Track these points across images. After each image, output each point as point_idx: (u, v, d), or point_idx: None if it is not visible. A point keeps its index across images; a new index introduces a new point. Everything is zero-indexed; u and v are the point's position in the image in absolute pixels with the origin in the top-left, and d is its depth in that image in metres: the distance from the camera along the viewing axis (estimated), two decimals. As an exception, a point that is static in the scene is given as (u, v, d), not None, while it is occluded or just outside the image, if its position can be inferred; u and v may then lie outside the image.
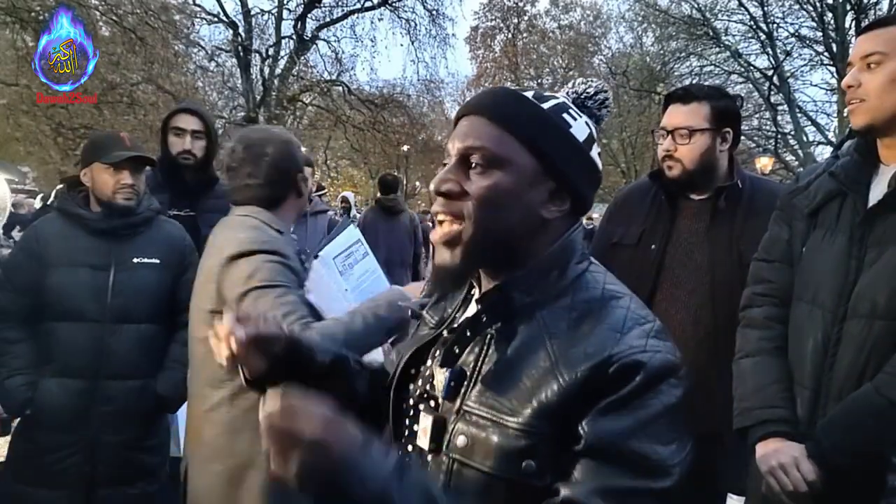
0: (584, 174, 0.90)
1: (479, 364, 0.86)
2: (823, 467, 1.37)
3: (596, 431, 0.77)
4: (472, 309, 0.94)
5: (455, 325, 0.95)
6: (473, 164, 0.86)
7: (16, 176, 11.45)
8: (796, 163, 16.93)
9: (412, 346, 0.99)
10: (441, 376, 0.90)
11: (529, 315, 0.86)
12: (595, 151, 0.92)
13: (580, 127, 0.89)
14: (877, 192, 1.45)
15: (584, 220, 0.96)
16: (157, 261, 2.25)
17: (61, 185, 2.46)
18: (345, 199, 9.03)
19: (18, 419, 2.29)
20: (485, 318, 0.88)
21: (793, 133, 16.92)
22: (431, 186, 0.88)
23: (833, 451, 1.37)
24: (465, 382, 0.86)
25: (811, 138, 17.12)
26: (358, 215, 7.93)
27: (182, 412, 2.57)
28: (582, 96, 0.94)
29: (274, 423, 0.69)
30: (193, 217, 2.73)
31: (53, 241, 2.17)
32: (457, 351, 0.89)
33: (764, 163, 16.05)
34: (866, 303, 1.38)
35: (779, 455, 1.42)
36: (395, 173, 11.24)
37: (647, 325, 0.83)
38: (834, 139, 15.79)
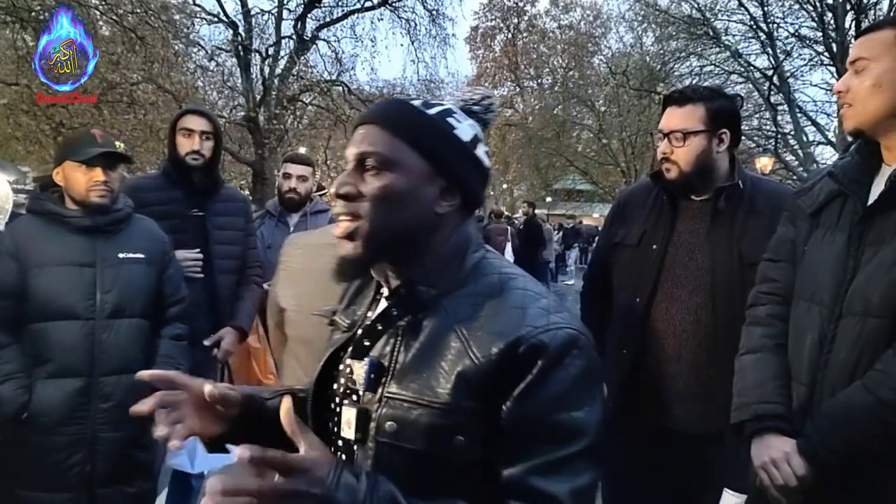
0: (472, 171, 0.98)
1: (395, 355, 0.94)
2: (814, 463, 1.39)
3: (517, 413, 0.85)
4: (382, 306, 1.01)
5: (367, 324, 1.01)
6: (368, 168, 0.94)
7: (16, 175, 11.43)
8: (796, 163, 16.93)
9: (328, 350, 1.05)
10: (360, 370, 0.96)
11: (436, 305, 0.94)
12: (481, 150, 1.00)
13: (465, 129, 0.98)
14: (877, 192, 1.46)
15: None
16: (142, 255, 2.26)
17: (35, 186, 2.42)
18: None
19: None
20: (395, 312, 0.95)
21: (793, 133, 16.90)
22: (331, 190, 0.95)
23: (823, 448, 1.39)
24: (384, 373, 0.93)
25: (811, 138, 17.10)
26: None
27: None
28: (469, 103, 1.02)
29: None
30: (202, 217, 2.74)
31: (33, 243, 2.15)
32: (367, 343, 0.97)
33: (764, 163, 16.03)
34: (860, 300, 1.40)
35: (770, 450, 1.45)
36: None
37: (543, 301, 0.92)
38: (834, 139, 15.78)
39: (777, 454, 1.43)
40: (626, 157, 23.66)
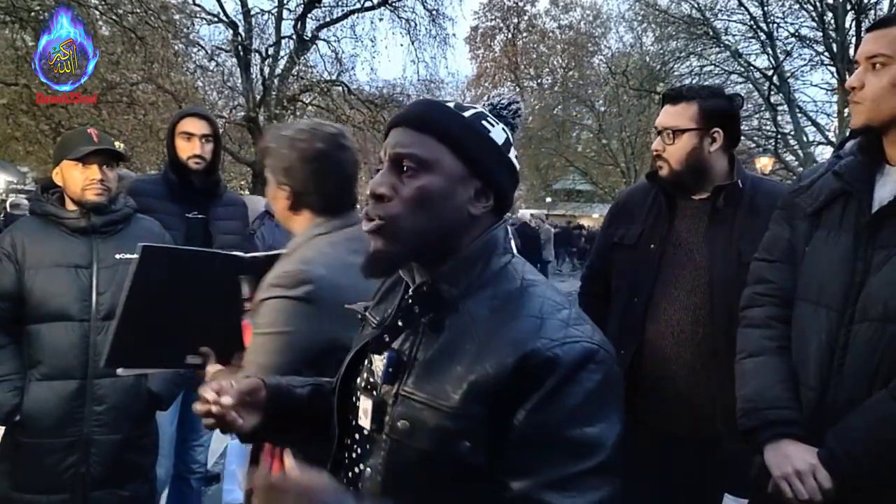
0: (505, 174, 1.00)
1: (414, 351, 0.95)
2: (837, 474, 1.34)
3: (530, 426, 0.85)
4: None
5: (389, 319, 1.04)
6: (405, 169, 0.95)
7: (15, 176, 11.43)
8: (796, 163, 16.90)
9: (357, 345, 1.08)
10: (380, 363, 0.98)
11: (457, 305, 0.95)
12: (513, 154, 1.02)
13: (498, 132, 1.00)
14: (883, 192, 1.43)
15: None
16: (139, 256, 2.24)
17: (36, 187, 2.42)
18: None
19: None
20: (417, 310, 0.97)
21: (793, 133, 16.88)
22: (367, 190, 0.96)
23: (848, 460, 1.34)
24: (403, 368, 0.95)
25: (811, 138, 17.07)
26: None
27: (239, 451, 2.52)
28: (497, 107, 1.04)
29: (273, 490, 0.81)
30: (204, 220, 2.73)
31: (31, 244, 2.14)
32: (387, 339, 0.98)
33: (764, 163, 16.02)
34: (878, 306, 1.35)
35: (793, 460, 1.39)
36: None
37: (563, 313, 0.91)
38: (834, 139, 15.76)
39: (802, 466, 1.37)
40: (626, 157, 23.64)
